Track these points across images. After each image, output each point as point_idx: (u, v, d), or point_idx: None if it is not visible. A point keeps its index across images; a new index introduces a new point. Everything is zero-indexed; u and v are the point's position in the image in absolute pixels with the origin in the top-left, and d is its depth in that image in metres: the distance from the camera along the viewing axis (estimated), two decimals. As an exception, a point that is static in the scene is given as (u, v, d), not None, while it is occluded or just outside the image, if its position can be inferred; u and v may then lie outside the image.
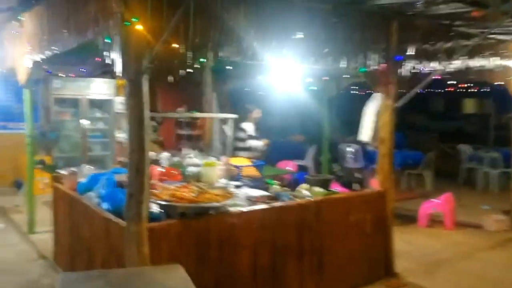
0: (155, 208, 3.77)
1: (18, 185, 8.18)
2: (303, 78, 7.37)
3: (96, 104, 9.78)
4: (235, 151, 7.75)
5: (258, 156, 7.71)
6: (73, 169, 4.98)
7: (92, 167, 5.22)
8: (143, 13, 3.18)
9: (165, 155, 6.29)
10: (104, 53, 3.43)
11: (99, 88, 9.60)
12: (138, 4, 3.17)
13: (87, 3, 3.85)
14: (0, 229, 6.68)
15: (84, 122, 9.54)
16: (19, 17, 5.34)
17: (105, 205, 3.99)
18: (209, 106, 8.85)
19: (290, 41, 4.12)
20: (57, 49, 4.48)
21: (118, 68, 3.25)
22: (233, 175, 5.72)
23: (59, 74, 8.51)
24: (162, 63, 3.37)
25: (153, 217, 3.65)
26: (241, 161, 6.13)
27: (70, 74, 8.86)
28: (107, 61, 3.40)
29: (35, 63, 5.26)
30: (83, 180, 4.68)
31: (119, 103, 9.34)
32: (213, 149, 8.70)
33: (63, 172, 4.95)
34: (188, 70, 3.52)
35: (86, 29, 3.82)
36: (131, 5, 3.14)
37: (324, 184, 5.02)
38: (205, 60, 3.64)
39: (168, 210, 3.70)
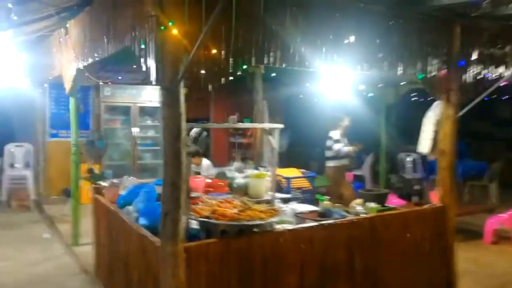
0: (194, 225, 3.55)
1: (67, 193, 8.24)
2: (357, 84, 7.00)
3: (147, 112, 9.77)
4: (326, 161, 7.63)
5: (348, 165, 7.61)
6: (114, 180, 4.84)
7: (135, 178, 5.06)
8: (180, 16, 2.94)
9: (205, 164, 6.04)
10: (141, 59, 3.22)
11: (151, 96, 9.57)
12: (175, 7, 2.94)
13: (125, 9, 3.68)
14: (45, 239, 6.70)
15: (135, 130, 9.54)
16: (66, 25, 5.30)
17: (142, 221, 3.80)
18: (260, 114, 8.61)
19: (341, 46, 3.80)
20: (98, 56, 4.35)
21: (153, 75, 3.03)
22: (282, 187, 5.45)
23: (100, 82, 8.53)
24: (199, 70, 3.11)
25: (191, 235, 3.45)
26: (291, 172, 5.83)
27: (108, 81, 8.86)
28: (143, 68, 3.19)
29: (79, 70, 5.20)
30: (123, 192, 4.52)
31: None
32: (264, 159, 8.46)
33: (104, 183, 4.81)
34: (229, 77, 3.25)
35: (124, 35, 3.65)
36: (167, 8, 2.91)
37: (380, 199, 4.64)
38: (246, 67, 3.36)
39: (208, 227, 3.45)
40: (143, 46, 3.21)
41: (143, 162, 9.62)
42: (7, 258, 5.90)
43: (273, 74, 7.40)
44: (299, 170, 6.00)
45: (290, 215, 4.11)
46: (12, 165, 8.84)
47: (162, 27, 2.88)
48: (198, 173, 5.80)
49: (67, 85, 5.68)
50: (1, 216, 8.18)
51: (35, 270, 5.48)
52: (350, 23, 3.85)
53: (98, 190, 5.05)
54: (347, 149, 7.48)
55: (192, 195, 4.21)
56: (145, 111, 9.75)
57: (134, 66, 3.99)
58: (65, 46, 5.58)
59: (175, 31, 2.87)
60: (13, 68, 6.78)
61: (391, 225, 4.23)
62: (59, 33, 5.74)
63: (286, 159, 8.93)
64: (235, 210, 3.63)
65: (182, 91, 2.97)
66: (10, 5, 3.61)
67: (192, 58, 2.90)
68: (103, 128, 9.27)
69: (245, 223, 3.43)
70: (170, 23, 2.87)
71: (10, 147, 8.88)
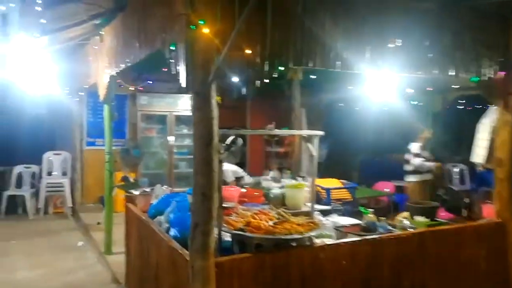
0: (228, 238, 3.32)
1: (103, 201, 8.22)
2: (402, 88, 6.61)
3: (183, 120, 9.68)
4: (405, 175, 7.28)
5: (431, 180, 7.13)
6: (146, 189, 4.68)
7: (167, 187, 4.89)
8: (212, 15, 2.74)
9: (227, 169, 5.69)
10: (170, 61, 3.03)
11: (187, 104, 9.46)
12: (206, 4, 2.73)
13: (156, 11, 3.52)
14: (80, 247, 6.64)
15: (171, 139, 9.47)
16: (100, 32, 5.21)
17: (173, 232, 3.60)
18: (298, 122, 8.33)
19: (387, 47, 3.53)
20: (129, 61, 4.21)
21: (183, 78, 2.83)
22: (322, 198, 5.17)
23: (130, 88, 8.43)
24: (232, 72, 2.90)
25: (224, 248, 3.23)
26: (331, 182, 5.53)
27: (139, 86, 8.76)
28: (173, 71, 3.00)
29: (112, 77, 5.09)
30: (155, 201, 4.35)
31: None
32: (302, 168, 8.17)
33: (135, 192, 4.66)
34: (264, 80, 3.03)
35: (154, 38, 3.49)
36: (197, 6, 2.71)
37: (429, 213, 4.28)
38: (284, 73, 3.12)
39: (242, 241, 3.21)
40: (173, 48, 3.01)
41: (179, 171, 9.55)
42: (42, 265, 5.89)
43: (313, 76, 7.10)
44: (340, 180, 5.70)
45: (330, 228, 3.82)
46: (50, 173, 8.92)
47: (192, 26, 2.68)
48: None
49: (101, 93, 5.60)
50: (39, 223, 8.24)
51: (68, 278, 5.44)
52: (397, 23, 3.57)
53: (130, 199, 4.91)
54: (429, 165, 7.07)
55: (226, 205, 3.99)
56: (181, 120, 9.67)
57: (165, 69, 3.79)
58: (99, 53, 5.51)
59: (206, 30, 2.67)
60: (50, 77, 6.78)
61: (442, 242, 3.87)
62: (94, 41, 5.68)
63: (326, 168, 8.59)
64: (271, 223, 3.38)
65: (214, 94, 2.76)
66: (39, 8, 3.51)
67: (224, 59, 2.68)
68: (140, 136, 9.24)
69: (282, 237, 3.17)
70: (200, 22, 2.67)
71: (48, 155, 8.97)
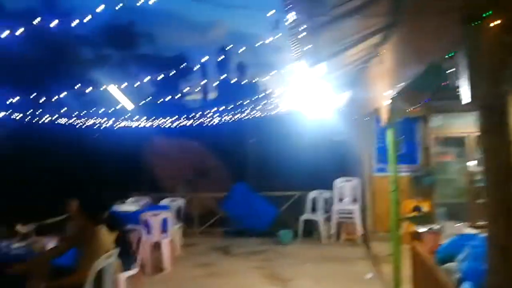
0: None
1: (395, 231, 7.74)
2: None
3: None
4: None
5: None
6: (435, 226, 4.01)
7: (463, 224, 4.09)
8: (503, 3, 2.01)
9: None
10: (449, 72, 2.41)
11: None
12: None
13: (430, 16, 2.91)
14: (367, 280, 6.31)
15: (471, 164, 8.33)
16: (379, 53, 4.89)
17: (465, 286, 2.85)
18: None
19: None
20: (407, 79, 3.69)
21: (466, 91, 2.17)
22: None
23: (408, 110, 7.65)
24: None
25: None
26: None
27: (417, 108, 7.81)
28: (454, 83, 2.36)
29: (393, 99, 4.64)
30: (445, 242, 3.64)
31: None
32: None
33: (422, 228, 4.04)
34: None
35: (428, 47, 2.89)
36: (482, -5, 2.04)
37: None
38: None
39: None
40: (451, 56, 2.38)
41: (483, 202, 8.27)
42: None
43: None
44: None
45: None
46: (341, 199, 9.00)
47: (475, 22, 2.02)
48: None
49: (383, 117, 5.20)
50: (330, 249, 8.36)
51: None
52: None
53: (417, 235, 4.31)
54: None
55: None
56: (483, 142, 8.39)
57: (443, 84, 3.15)
58: (379, 75, 5.15)
59: (493, 24, 1.96)
60: (337, 103, 6.83)
61: None
62: (374, 63, 5.39)
63: None
64: None
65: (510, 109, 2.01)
66: (301, 35, 3.35)
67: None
68: (433, 162, 8.44)
69: None
70: (485, 15, 1.99)
71: (339, 181, 9.10)
